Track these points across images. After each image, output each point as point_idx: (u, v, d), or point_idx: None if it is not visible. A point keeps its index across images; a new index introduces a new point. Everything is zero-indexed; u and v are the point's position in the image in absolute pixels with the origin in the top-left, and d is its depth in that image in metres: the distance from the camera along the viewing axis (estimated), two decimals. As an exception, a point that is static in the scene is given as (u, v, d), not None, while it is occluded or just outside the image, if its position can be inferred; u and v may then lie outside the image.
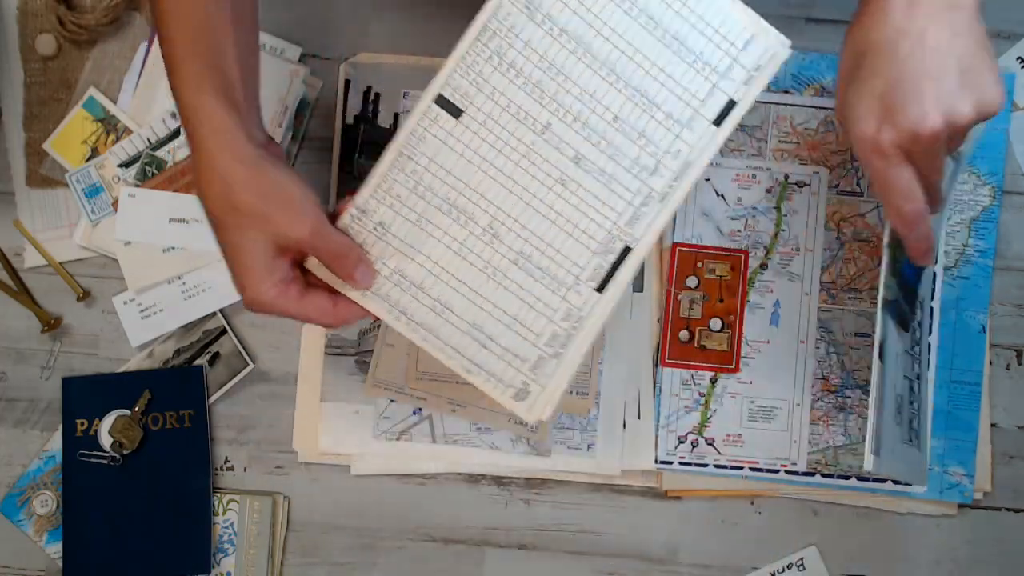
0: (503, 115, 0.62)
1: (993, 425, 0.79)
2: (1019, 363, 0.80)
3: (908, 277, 0.67)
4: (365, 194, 0.62)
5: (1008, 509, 0.79)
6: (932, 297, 0.78)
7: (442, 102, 0.62)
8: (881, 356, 0.62)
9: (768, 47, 0.61)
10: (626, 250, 0.62)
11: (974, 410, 0.78)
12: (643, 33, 0.61)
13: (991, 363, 0.79)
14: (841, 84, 0.60)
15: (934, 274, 0.77)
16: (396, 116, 0.81)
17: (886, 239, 0.64)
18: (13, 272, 0.81)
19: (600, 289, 0.62)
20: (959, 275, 0.79)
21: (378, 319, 0.63)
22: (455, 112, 0.62)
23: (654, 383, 0.79)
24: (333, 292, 0.62)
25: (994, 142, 0.78)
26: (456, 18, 0.82)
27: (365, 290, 0.62)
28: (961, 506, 0.79)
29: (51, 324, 0.81)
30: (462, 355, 0.63)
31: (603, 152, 0.62)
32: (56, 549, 0.80)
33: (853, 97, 0.58)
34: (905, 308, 0.67)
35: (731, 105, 0.61)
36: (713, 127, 0.61)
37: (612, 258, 0.62)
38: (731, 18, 0.61)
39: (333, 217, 0.62)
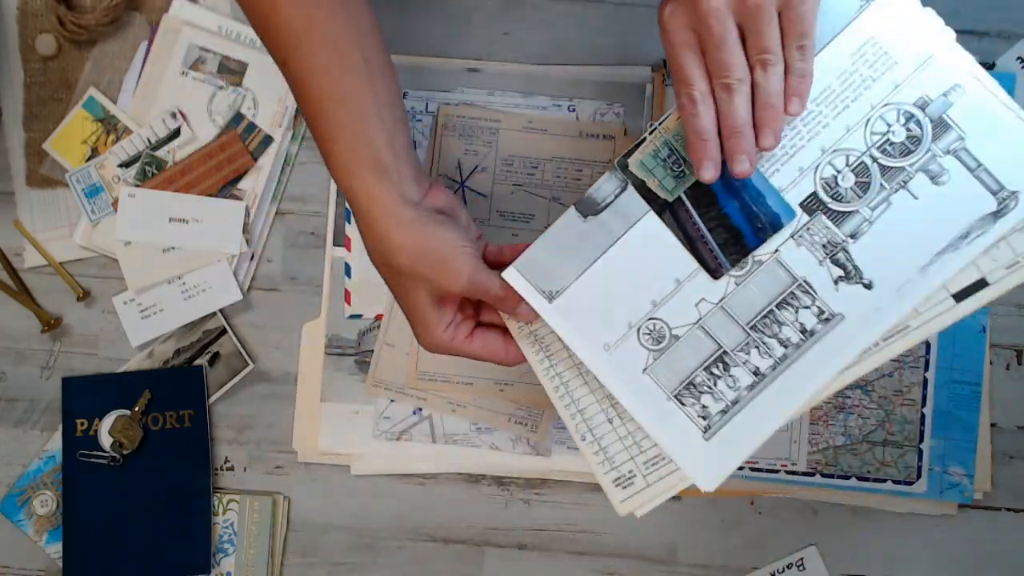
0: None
1: (993, 425, 0.79)
2: (1019, 363, 0.80)
3: (727, 211, 0.60)
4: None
5: (1008, 509, 0.79)
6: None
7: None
8: (584, 212, 0.62)
9: None
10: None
11: (974, 410, 0.78)
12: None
13: (991, 363, 0.79)
14: None
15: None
16: (396, 116, 0.80)
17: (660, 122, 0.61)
18: (13, 272, 0.81)
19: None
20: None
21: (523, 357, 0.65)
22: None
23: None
24: (506, 331, 0.65)
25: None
26: (455, 18, 0.82)
27: (528, 323, 0.64)
28: (961, 506, 0.79)
29: (51, 324, 0.81)
30: (585, 421, 0.62)
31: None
32: (56, 549, 0.80)
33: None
34: (707, 242, 0.60)
35: (980, 285, 0.57)
36: (952, 303, 0.57)
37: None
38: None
39: (497, 258, 0.65)
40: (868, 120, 0.59)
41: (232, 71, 0.81)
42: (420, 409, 0.79)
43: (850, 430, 0.78)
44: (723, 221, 0.60)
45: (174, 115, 0.80)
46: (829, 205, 0.59)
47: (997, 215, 0.57)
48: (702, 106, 0.55)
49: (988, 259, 0.55)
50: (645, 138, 0.61)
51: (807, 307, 0.59)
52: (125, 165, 0.80)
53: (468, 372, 0.79)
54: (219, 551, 0.80)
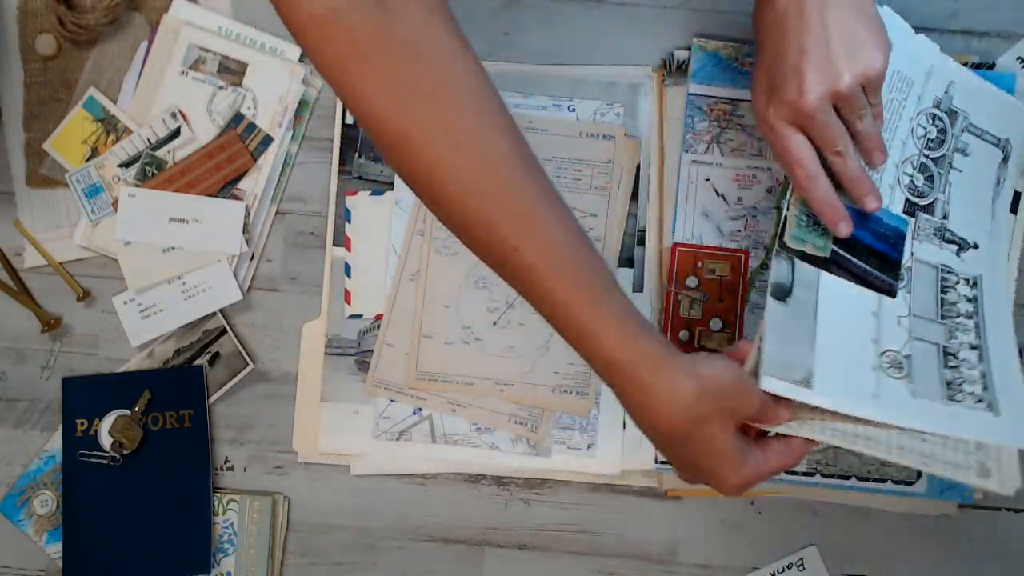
0: None
1: (993, 425, 0.79)
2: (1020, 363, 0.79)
3: (867, 242, 0.70)
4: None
5: (1008, 509, 0.79)
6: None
7: None
8: (780, 296, 0.67)
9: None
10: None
11: (977, 409, 0.79)
12: None
13: (991, 363, 0.79)
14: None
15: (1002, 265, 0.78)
16: (396, 116, 0.81)
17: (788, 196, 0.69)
18: (13, 272, 0.81)
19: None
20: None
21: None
22: None
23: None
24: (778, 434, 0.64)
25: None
26: (456, 19, 0.82)
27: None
28: (961, 506, 0.79)
29: (51, 324, 0.81)
30: (912, 452, 0.64)
31: None
32: (56, 549, 0.80)
33: (753, 74, 0.63)
34: (870, 272, 0.70)
35: None
36: None
37: None
38: None
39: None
40: (912, 130, 0.73)
41: (232, 71, 0.81)
42: (420, 409, 0.79)
43: (850, 430, 0.79)
44: (869, 251, 0.70)
45: (174, 115, 0.80)
46: (919, 203, 0.73)
47: (1005, 160, 0.76)
48: (819, 180, 0.65)
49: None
50: (785, 216, 0.69)
51: (957, 282, 0.73)
52: (125, 165, 0.80)
53: (468, 372, 0.79)
54: (219, 551, 0.80)
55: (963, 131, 0.74)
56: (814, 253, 0.69)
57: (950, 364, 0.70)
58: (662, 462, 0.79)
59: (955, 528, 0.79)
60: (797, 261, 0.69)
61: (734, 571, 0.80)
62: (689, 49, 0.80)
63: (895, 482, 0.78)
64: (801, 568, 0.79)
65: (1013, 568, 0.79)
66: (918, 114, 0.73)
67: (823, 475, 0.78)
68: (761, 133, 0.65)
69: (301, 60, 0.81)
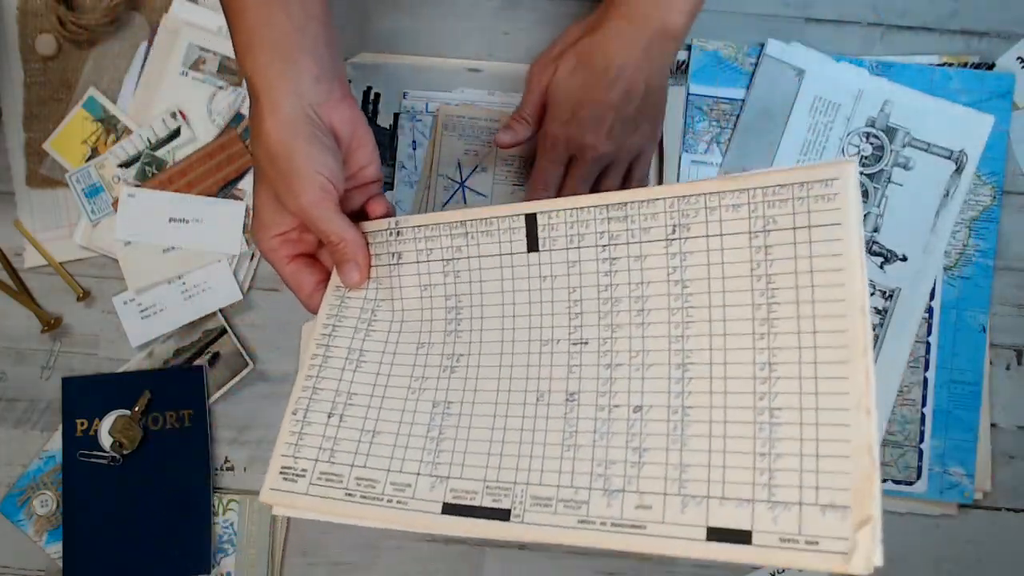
0: (568, 278, 0.55)
1: (993, 425, 0.79)
2: (1019, 363, 0.80)
3: None
4: (412, 222, 0.60)
5: (1008, 509, 0.79)
6: (932, 297, 0.78)
7: (530, 225, 0.56)
8: None
9: (841, 540, 0.41)
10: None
11: (974, 410, 0.78)
12: (745, 365, 0.47)
13: (991, 363, 0.79)
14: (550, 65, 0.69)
15: (935, 278, 0.78)
16: (396, 116, 0.81)
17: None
18: (13, 272, 0.81)
19: None
20: (959, 275, 0.79)
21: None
22: (533, 242, 0.56)
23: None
24: (325, 278, 0.62)
25: (996, 142, 0.78)
26: (455, 18, 0.82)
27: (348, 288, 0.61)
28: (961, 506, 0.79)
29: (51, 324, 0.81)
30: (310, 400, 0.58)
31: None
32: (56, 549, 0.80)
33: (560, 99, 0.68)
34: None
35: (742, 537, 0.44)
36: (704, 536, 0.44)
37: None
38: (848, 462, 0.42)
39: (363, 209, 0.63)
40: (843, 150, 0.78)
41: (232, 71, 0.81)
42: (420, 409, 0.79)
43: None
44: None
45: (174, 115, 0.80)
46: None
47: (958, 170, 0.78)
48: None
49: (768, 519, 0.44)
50: None
51: (872, 294, 0.75)
52: (125, 165, 0.80)
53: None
54: (219, 551, 0.80)
55: (905, 146, 0.77)
56: None
57: None
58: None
59: (955, 528, 0.79)
60: None
61: (734, 571, 0.80)
62: (689, 49, 0.80)
63: (895, 482, 0.78)
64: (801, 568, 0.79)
65: (1013, 568, 0.79)
66: (848, 134, 0.78)
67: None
68: (538, 143, 0.71)
69: (301, 60, 0.81)
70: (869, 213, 0.78)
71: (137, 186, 0.80)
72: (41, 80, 0.81)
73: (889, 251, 0.78)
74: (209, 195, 0.80)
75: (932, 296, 0.78)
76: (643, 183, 0.71)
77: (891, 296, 0.77)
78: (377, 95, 0.81)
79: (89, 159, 0.80)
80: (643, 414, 0.48)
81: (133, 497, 0.79)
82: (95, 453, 0.79)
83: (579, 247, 0.54)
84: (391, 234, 0.60)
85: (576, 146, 0.69)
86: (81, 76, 0.81)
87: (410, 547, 0.81)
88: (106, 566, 0.79)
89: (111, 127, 0.80)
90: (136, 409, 0.80)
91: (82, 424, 0.80)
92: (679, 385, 0.48)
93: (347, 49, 0.81)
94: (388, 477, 0.53)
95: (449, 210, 0.61)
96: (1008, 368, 0.79)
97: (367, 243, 0.61)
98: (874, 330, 0.77)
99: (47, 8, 0.80)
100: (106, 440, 0.79)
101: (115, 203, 0.80)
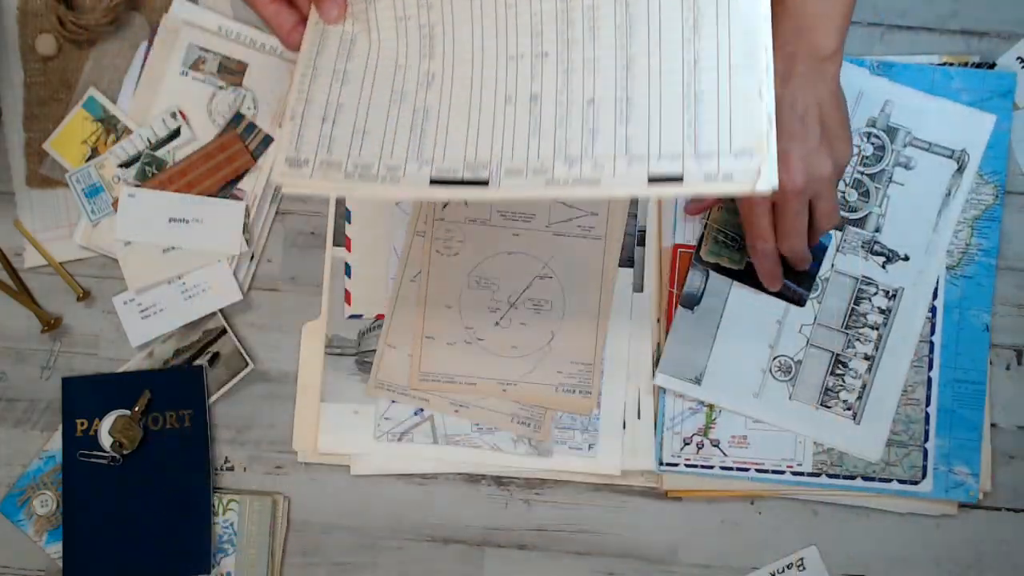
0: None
1: (993, 425, 0.79)
2: (1019, 363, 0.80)
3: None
4: None
5: (1008, 509, 0.79)
6: (935, 296, 0.78)
7: None
8: (688, 305, 0.79)
9: (749, 171, 0.55)
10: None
11: (978, 409, 0.78)
12: (676, 58, 0.59)
13: (991, 363, 0.79)
14: None
15: (938, 278, 0.79)
16: (396, 115, 0.81)
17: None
18: (13, 272, 0.81)
19: None
20: (962, 274, 0.79)
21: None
22: None
23: (658, 389, 0.79)
24: (303, 18, 0.64)
25: (998, 142, 0.79)
26: (456, 18, 0.82)
27: (327, 23, 0.64)
28: (961, 506, 0.79)
29: (51, 324, 0.80)
30: (306, 103, 0.62)
31: (549, 116, 0.61)
32: (56, 549, 0.80)
33: None
34: (784, 284, 0.76)
35: (676, 179, 0.56)
36: (646, 182, 0.57)
37: None
38: (750, 120, 0.56)
39: None
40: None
41: (232, 71, 0.81)
42: (422, 410, 0.79)
43: (852, 430, 0.79)
44: (787, 263, 0.74)
45: (174, 115, 0.80)
46: (850, 217, 0.79)
47: (960, 169, 0.78)
48: (774, 253, 0.71)
49: (693, 163, 0.57)
50: (703, 235, 0.78)
51: (875, 293, 0.78)
52: (125, 165, 0.80)
53: (470, 373, 0.79)
54: (219, 551, 0.80)
55: (906, 145, 0.78)
56: (729, 266, 0.78)
57: (836, 372, 0.78)
58: (667, 464, 0.79)
59: (955, 528, 0.79)
60: (712, 273, 0.78)
61: (734, 571, 0.80)
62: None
63: (900, 482, 0.78)
64: (801, 568, 0.79)
65: (1013, 568, 0.79)
66: None
67: (828, 475, 0.78)
68: (739, 207, 0.71)
69: (301, 60, 0.81)
70: (871, 213, 0.78)
71: (137, 186, 0.80)
72: (41, 80, 0.81)
73: (891, 251, 0.78)
74: (209, 195, 0.80)
75: (935, 296, 0.78)
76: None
77: (894, 296, 0.78)
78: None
79: (89, 159, 0.80)
80: (595, 105, 0.59)
81: (133, 497, 0.79)
82: (95, 453, 0.79)
83: None
84: None
85: (774, 194, 0.66)
86: (81, 76, 0.81)
87: (410, 547, 0.81)
88: (106, 566, 0.79)
89: (111, 127, 0.80)
90: (136, 409, 0.80)
91: (82, 424, 0.80)
92: (623, 81, 0.59)
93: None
94: (381, 161, 0.61)
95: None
96: (1008, 368, 0.80)
97: None
98: (878, 330, 0.78)
99: (47, 8, 0.80)
100: (106, 440, 0.79)
101: (115, 203, 0.80)
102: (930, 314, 0.78)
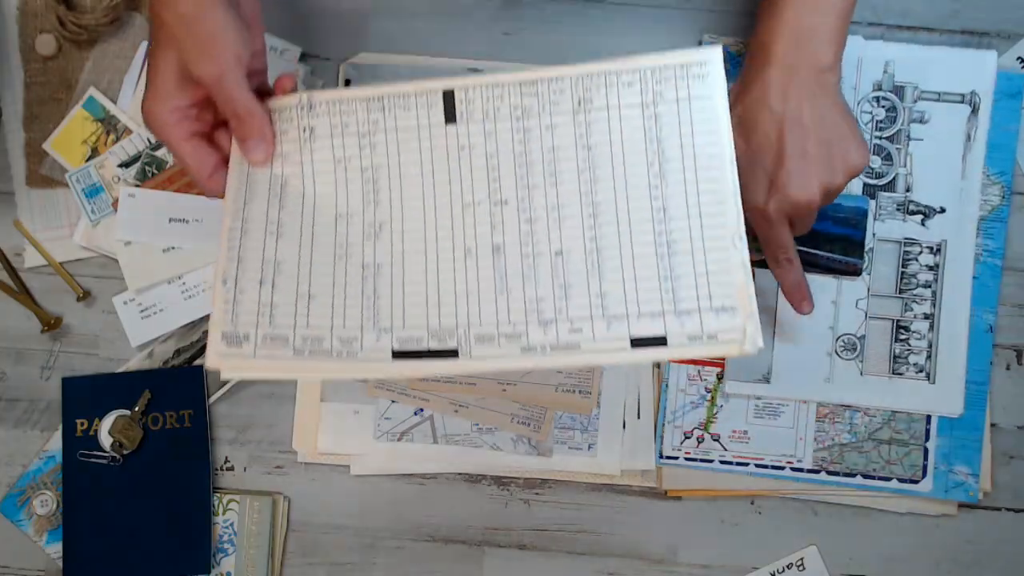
0: (492, 156, 0.60)
1: (993, 425, 0.79)
2: (1019, 363, 0.80)
3: (828, 231, 0.77)
4: (325, 96, 0.61)
5: (1008, 509, 0.79)
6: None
7: (448, 100, 0.60)
8: None
9: (734, 330, 0.54)
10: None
11: (980, 409, 0.78)
12: (645, 206, 0.57)
13: (991, 363, 0.79)
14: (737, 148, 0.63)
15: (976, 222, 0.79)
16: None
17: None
18: (13, 272, 0.81)
19: None
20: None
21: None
22: (451, 115, 0.60)
23: (661, 379, 0.79)
24: (225, 159, 0.61)
25: (1004, 142, 0.79)
26: (455, 18, 0.82)
27: (253, 165, 0.60)
28: (961, 506, 0.79)
29: (51, 324, 0.80)
30: (237, 266, 0.58)
31: (517, 265, 0.57)
32: (56, 549, 0.80)
33: (746, 170, 0.64)
34: (834, 259, 0.77)
35: (659, 342, 0.54)
36: (629, 346, 0.55)
37: None
38: (727, 273, 0.55)
39: (263, 89, 0.62)
40: (857, 119, 0.73)
41: (232, 71, 0.81)
42: (421, 410, 0.79)
43: (856, 428, 0.78)
44: (831, 238, 0.77)
45: (174, 115, 0.80)
46: (879, 184, 0.79)
47: (975, 111, 0.78)
48: (796, 264, 0.71)
49: (676, 322, 0.54)
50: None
51: (920, 252, 0.78)
52: (125, 165, 0.80)
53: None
54: (219, 551, 0.80)
55: (916, 100, 0.78)
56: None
57: (900, 337, 0.78)
58: (667, 457, 0.79)
59: (955, 528, 0.79)
60: (756, 269, 0.76)
61: (734, 571, 0.80)
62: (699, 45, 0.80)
63: (900, 480, 0.78)
64: (801, 568, 0.79)
65: (1013, 568, 0.79)
66: (858, 103, 0.78)
67: (828, 472, 0.78)
68: (751, 222, 0.68)
69: (301, 60, 0.81)
70: (898, 174, 0.78)
71: (137, 186, 0.80)
72: (41, 80, 0.81)
73: (926, 207, 0.78)
74: (209, 195, 0.80)
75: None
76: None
77: (939, 250, 0.78)
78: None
79: (89, 159, 0.80)
80: (564, 257, 0.57)
81: (133, 497, 0.79)
82: (95, 453, 0.79)
83: (495, 120, 0.59)
84: (302, 109, 0.61)
85: (792, 209, 0.66)
86: (81, 76, 0.81)
87: (410, 547, 0.81)
88: (106, 566, 0.79)
89: (111, 127, 0.80)
90: (136, 409, 0.80)
91: (82, 424, 0.80)
92: (592, 231, 0.57)
93: (347, 49, 0.81)
94: (333, 333, 0.56)
95: (362, 86, 0.63)
96: (1008, 368, 0.80)
97: (272, 120, 0.61)
98: (931, 287, 0.78)
99: (47, 8, 0.80)
100: (106, 440, 0.79)
101: (115, 203, 0.80)
102: (933, 312, 0.79)
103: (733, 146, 0.56)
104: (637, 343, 0.54)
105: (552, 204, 0.57)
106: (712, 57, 0.58)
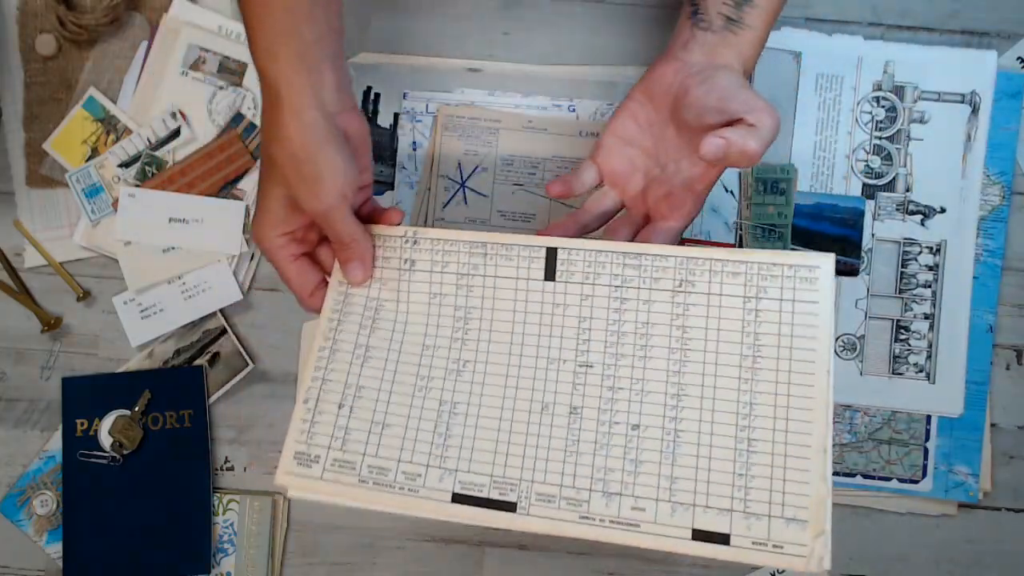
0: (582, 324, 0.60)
1: (993, 425, 0.79)
2: (1019, 363, 0.80)
3: (828, 231, 0.78)
4: (430, 234, 0.63)
5: (1008, 509, 0.79)
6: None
7: (550, 258, 0.61)
8: None
9: (802, 546, 0.52)
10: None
11: (980, 409, 0.78)
12: (732, 396, 0.56)
13: (991, 363, 0.79)
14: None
15: (976, 222, 0.79)
16: (396, 116, 0.81)
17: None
18: (13, 272, 0.81)
19: None
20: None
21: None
22: (551, 273, 0.61)
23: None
24: (324, 278, 0.65)
25: (1004, 142, 0.79)
26: (455, 18, 0.82)
27: (352, 285, 0.63)
28: (961, 506, 0.79)
29: (51, 324, 0.80)
30: (320, 389, 0.60)
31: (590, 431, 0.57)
32: (56, 549, 0.80)
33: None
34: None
35: (722, 539, 0.53)
36: (689, 536, 0.54)
37: None
38: (808, 488, 0.53)
39: (374, 213, 0.65)
40: (856, 119, 0.79)
41: (232, 71, 0.81)
42: (420, 409, 0.79)
43: (856, 428, 0.78)
44: (831, 239, 0.78)
45: (174, 115, 0.80)
46: (878, 184, 0.79)
47: (975, 111, 0.78)
48: None
49: (743, 526, 0.53)
50: (739, 235, 0.79)
51: (920, 252, 0.78)
52: (125, 165, 0.80)
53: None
54: (219, 551, 0.80)
55: (916, 100, 0.78)
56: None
57: (900, 337, 0.78)
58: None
59: (955, 528, 0.79)
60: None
61: (734, 571, 0.80)
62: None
63: (900, 480, 0.78)
64: (801, 568, 0.79)
65: (1013, 568, 0.79)
66: (858, 103, 0.79)
67: (827, 472, 0.78)
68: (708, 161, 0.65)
69: (301, 60, 0.81)
70: (897, 175, 0.78)
71: (137, 186, 0.80)
72: (41, 80, 0.81)
73: (926, 207, 0.78)
74: (209, 195, 0.80)
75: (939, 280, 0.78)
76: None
77: (938, 250, 0.78)
78: (377, 95, 0.81)
79: (89, 159, 0.80)
80: (640, 432, 0.56)
81: (133, 497, 0.79)
82: (95, 453, 0.79)
83: (594, 283, 0.60)
84: (407, 242, 0.63)
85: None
86: (81, 76, 0.81)
87: (410, 547, 0.81)
88: (106, 566, 0.79)
89: (111, 127, 0.80)
90: (136, 409, 0.80)
91: (82, 424, 0.80)
92: (673, 411, 0.56)
93: (347, 49, 0.81)
94: (399, 467, 0.57)
95: (470, 230, 0.65)
96: (1008, 368, 0.80)
97: (374, 245, 0.64)
98: (931, 287, 0.78)
99: (47, 8, 0.80)
100: (106, 440, 0.79)
101: (115, 203, 0.80)
102: (934, 312, 0.79)
103: (832, 359, 0.55)
104: (699, 536, 0.53)
105: (638, 377, 0.57)
106: (824, 263, 0.57)
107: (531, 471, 0.56)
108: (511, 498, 0.55)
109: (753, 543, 0.52)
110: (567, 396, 0.58)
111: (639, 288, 0.59)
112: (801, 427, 0.54)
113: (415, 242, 0.63)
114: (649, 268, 0.59)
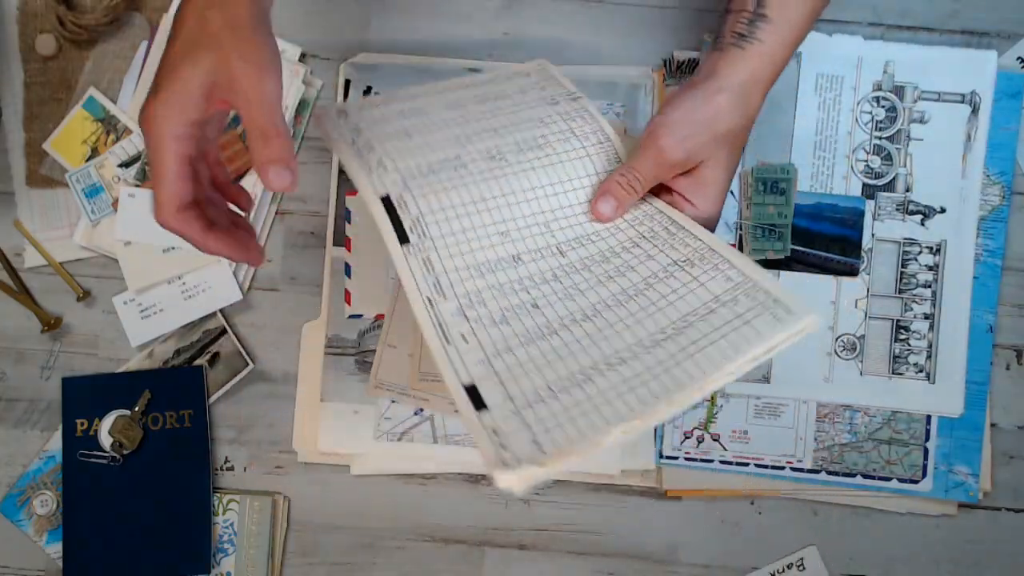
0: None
1: (993, 425, 0.79)
2: (1019, 363, 0.80)
3: (827, 232, 0.79)
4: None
5: (1008, 509, 0.79)
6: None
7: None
8: None
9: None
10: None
11: (980, 409, 0.78)
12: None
13: (991, 363, 0.79)
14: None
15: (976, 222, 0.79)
16: (396, 116, 0.81)
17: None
18: (13, 272, 0.81)
19: None
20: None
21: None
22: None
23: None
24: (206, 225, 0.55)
25: (1004, 142, 0.79)
26: (455, 18, 0.82)
27: (274, 191, 0.60)
28: (961, 506, 0.79)
29: (51, 324, 0.80)
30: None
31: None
32: (56, 549, 0.80)
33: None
34: (831, 259, 0.78)
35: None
36: None
37: None
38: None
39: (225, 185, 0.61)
40: (856, 119, 0.79)
41: (232, 71, 0.81)
42: (421, 410, 0.79)
43: (856, 428, 0.78)
44: (830, 239, 0.78)
45: (174, 115, 0.80)
46: (878, 184, 0.79)
47: (975, 111, 0.78)
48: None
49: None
50: (740, 235, 0.79)
51: (920, 252, 0.79)
52: (125, 165, 0.80)
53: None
54: (219, 551, 0.80)
55: (916, 100, 0.79)
56: (775, 257, 0.78)
57: (900, 337, 0.79)
58: (667, 457, 0.79)
59: (955, 528, 0.79)
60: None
61: (734, 571, 0.80)
62: (690, 49, 0.80)
63: (900, 480, 0.78)
64: (801, 568, 0.79)
65: (1013, 568, 0.79)
66: (858, 103, 0.79)
67: (828, 472, 0.78)
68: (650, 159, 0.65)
69: (301, 60, 0.81)
70: (897, 175, 0.78)
71: (137, 186, 0.80)
72: (41, 80, 0.81)
73: (926, 207, 0.78)
74: (209, 195, 0.80)
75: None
76: None
77: (938, 250, 0.78)
78: (377, 95, 0.81)
79: (89, 159, 0.80)
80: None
81: (133, 497, 0.79)
82: (95, 453, 0.79)
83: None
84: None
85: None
86: (81, 76, 0.81)
87: (410, 547, 0.81)
88: (106, 566, 0.79)
89: (111, 127, 0.80)
90: (136, 409, 0.80)
91: (82, 424, 0.80)
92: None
93: (347, 49, 0.81)
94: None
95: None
96: (1008, 368, 0.80)
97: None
98: (931, 287, 0.78)
99: (47, 8, 0.80)
100: (106, 440, 0.79)
101: (115, 203, 0.80)
102: (934, 312, 0.79)
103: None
104: None
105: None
106: (808, 322, 0.52)
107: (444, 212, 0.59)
108: (408, 227, 0.57)
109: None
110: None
111: (653, 242, 0.60)
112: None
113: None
114: (678, 239, 0.60)
